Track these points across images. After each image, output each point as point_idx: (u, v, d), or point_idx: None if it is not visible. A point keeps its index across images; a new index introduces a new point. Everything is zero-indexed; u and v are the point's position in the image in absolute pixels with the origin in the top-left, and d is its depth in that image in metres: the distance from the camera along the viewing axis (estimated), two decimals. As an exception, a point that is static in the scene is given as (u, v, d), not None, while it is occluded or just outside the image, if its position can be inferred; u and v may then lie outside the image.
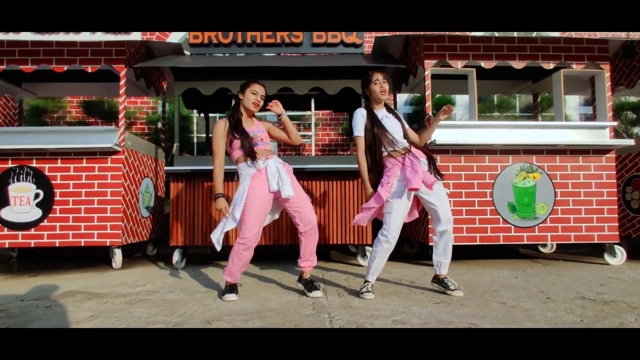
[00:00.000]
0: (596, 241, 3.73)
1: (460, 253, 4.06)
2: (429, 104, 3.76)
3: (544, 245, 4.58)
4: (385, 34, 5.03)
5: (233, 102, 2.57)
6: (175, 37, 6.95)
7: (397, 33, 4.99)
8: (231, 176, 3.76)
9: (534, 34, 4.63)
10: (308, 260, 2.70)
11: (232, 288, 2.59)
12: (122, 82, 3.81)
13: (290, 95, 4.39)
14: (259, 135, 2.72)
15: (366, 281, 2.63)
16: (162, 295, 2.63)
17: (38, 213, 3.64)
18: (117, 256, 3.72)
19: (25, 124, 5.97)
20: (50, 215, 3.65)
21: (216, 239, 2.56)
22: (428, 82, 3.76)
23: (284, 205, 2.67)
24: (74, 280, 3.22)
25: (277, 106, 2.79)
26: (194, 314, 2.22)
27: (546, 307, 2.31)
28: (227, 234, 3.74)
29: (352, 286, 2.89)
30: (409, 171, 2.55)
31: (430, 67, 3.78)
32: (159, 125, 5.75)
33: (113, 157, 3.73)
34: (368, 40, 6.48)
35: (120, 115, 3.81)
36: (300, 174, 3.55)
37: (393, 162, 2.61)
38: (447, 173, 3.64)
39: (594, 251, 4.52)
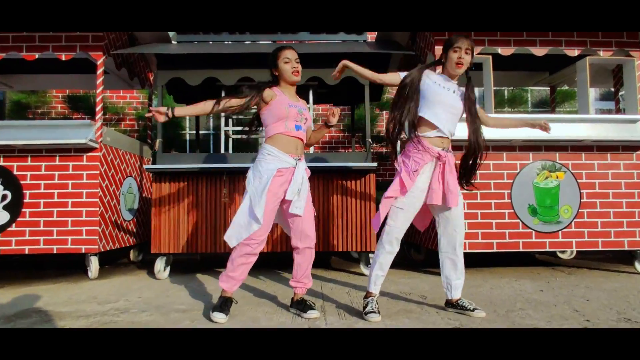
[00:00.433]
0: (626, 248, 3.34)
1: (472, 259, 3.67)
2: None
3: (563, 251, 4.19)
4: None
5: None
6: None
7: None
8: (235, 177, 3.39)
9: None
10: (301, 282, 2.33)
11: (224, 304, 2.19)
12: (100, 71, 3.43)
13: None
14: (304, 114, 2.32)
15: (368, 293, 2.25)
16: (131, 317, 2.25)
17: (5, 217, 3.26)
18: (93, 265, 3.34)
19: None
20: (18, 219, 3.27)
21: (236, 239, 2.17)
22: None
23: (284, 210, 2.30)
24: (39, 294, 2.85)
25: (334, 117, 2.41)
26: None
27: (587, 332, 1.93)
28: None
29: (354, 302, 2.51)
30: (436, 178, 2.19)
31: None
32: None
33: (89, 154, 3.35)
34: (371, 30, 6.10)
35: (97, 108, 3.43)
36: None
37: (431, 150, 2.19)
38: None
39: (619, 256, 4.14)
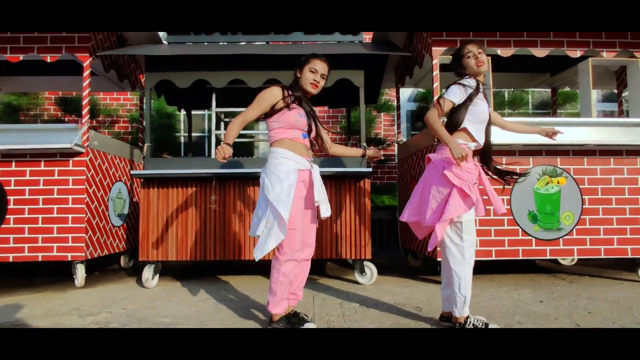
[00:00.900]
0: (630, 255, 3.23)
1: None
2: (436, 98, 3.27)
3: (564, 258, 4.08)
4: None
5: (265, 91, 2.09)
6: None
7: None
8: (235, 181, 3.29)
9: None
10: (294, 294, 2.24)
11: (289, 321, 2.15)
12: (86, 73, 3.32)
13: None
14: (312, 126, 2.24)
15: (463, 317, 2.12)
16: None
17: (-12, 223, 3.17)
18: (80, 273, 3.24)
19: (-2, 122, 5.52)
20: (2, 226, 3.17)
21: (260, 251, 2.04)
22: (436, 72, 3.27)
23: None
24: (21, 304, 2.75)
25: (374, 154, 2.49)
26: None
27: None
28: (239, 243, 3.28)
29: (347, 314, 2.41)
30: (476, 195, 2.13)
31: (438, 55, 3.28)
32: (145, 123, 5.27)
33: (75, 159, 3.25)
34: (368, 31, 5.98)
35: (84, 112, 3.33)
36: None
37: (476, 162, 2.22)
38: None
39: (620, 263, 4.02)
